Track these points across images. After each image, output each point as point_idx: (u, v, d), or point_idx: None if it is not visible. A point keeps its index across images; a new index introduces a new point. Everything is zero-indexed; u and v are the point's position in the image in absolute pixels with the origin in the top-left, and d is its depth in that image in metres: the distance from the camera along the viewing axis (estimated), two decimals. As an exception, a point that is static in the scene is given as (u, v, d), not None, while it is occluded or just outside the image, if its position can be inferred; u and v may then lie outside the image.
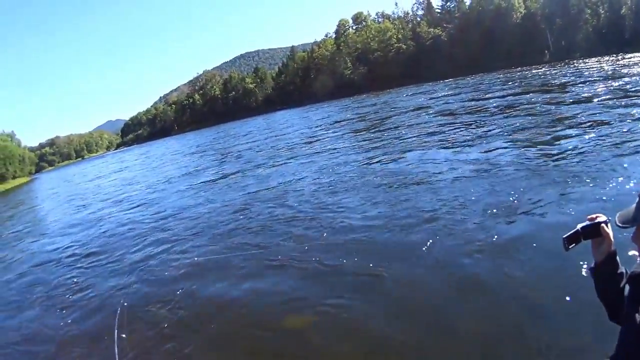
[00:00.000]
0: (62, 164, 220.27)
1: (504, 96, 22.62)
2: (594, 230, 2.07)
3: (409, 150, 12.44)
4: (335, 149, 16.04)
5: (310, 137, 22.42)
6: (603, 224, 2.05)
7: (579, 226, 2.08)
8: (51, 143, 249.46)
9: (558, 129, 11.75)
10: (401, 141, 14.34)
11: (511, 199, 6.77)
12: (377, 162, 11.86)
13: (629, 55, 43.56)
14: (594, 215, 2.13)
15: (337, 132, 21.97)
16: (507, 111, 16.44)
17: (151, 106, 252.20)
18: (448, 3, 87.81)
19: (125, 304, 5.95)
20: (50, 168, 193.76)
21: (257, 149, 23.05)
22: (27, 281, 8.83)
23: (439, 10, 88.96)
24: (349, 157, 13.79)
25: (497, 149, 10.42)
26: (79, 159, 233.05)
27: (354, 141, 17.38)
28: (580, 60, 50.95)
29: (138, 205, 14.56)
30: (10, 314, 7.15)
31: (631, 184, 6.40)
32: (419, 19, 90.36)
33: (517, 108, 16.73)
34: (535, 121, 13.30)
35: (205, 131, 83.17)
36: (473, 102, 22.53)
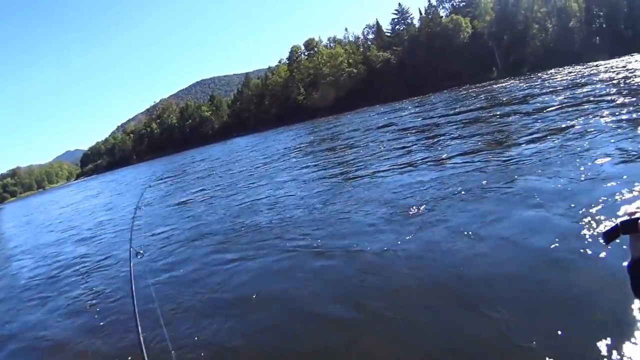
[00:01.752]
0: (24, 194, 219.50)
1: (448, 114, 23.66)
2: (632, 226, 1.89)
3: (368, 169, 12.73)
4: (291, 171, 16.30)
5: (269, 161, 22.40)
6: None
7: (619, 221, 1.90)
8: (12, 174, 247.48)
9: (503, 141, 12.31)
10: (355, 161, 14.61)
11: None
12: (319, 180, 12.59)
13: (577, 68, 45.06)
14: (633, 210, 1.92)
15: (293, 155, 22.19)
16: (452, 127, 17.34)
17: (109, 136, 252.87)
18: (397, 26, 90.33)
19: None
20: (12, 198, 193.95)
21: (216, 176, 22.86)
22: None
23: (389, 34, 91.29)
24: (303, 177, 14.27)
25: (452, 162, 10.93)
26: (40, 189, 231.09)
27: (306, 163, 17.80)
28: (528, 75, 53.07)
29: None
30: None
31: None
32: (369, 43, 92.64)
33: (464, 123, 17.99)
34: (478, 135, 13.88)
35: (165, 159, 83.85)
36: (419, 121, 23.71)
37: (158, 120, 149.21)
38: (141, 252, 4.39)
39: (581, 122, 12.17)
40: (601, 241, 2.04)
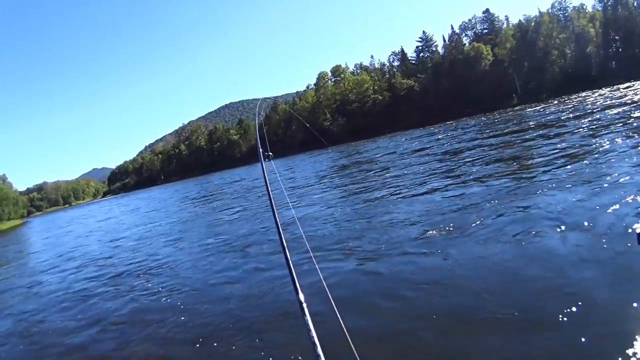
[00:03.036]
0: (50, 209, 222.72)
1: (473, 139, 24.72)
2: None
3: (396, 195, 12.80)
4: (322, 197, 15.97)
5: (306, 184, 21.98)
6: None
7: None
8: (39, 188, 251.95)
9: (524, 167, 12.57)
10: (384, 188, 14.52)
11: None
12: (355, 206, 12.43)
13: (595, 93, 46.58)
14: None
15: (325, 182, 21.70)
16: (477, 153, 17.71)
17: (137, 155, 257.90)
18: (422, 54, 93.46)
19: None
20: (38, 213, 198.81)
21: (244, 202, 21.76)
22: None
23: (413, 61, 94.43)
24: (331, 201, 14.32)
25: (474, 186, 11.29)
26: (67, 205, 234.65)
27: (336, 188, 17.71)
28: (549, 102, 53.72)
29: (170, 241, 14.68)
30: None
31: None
32: (394, 70, 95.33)
33: (486, 149, 18.43)
34: (501, 161, 14.34)
35: (194, 180, 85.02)
36: (445, 148, 23.99)
37: (187, 142, 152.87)
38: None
39: (607, 145, 12.69)
40: (637, 242, 2.26)
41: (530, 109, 44.96)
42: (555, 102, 48.05)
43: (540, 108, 41.89)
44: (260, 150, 3.06)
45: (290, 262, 1.99)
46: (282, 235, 2.12)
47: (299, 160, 50.67)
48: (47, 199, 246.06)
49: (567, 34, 75.76)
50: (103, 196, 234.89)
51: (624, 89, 41.86)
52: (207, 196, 32.07)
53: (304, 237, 7.73)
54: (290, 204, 12.27)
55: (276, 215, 2.44)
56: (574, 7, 79.58)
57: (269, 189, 2.66)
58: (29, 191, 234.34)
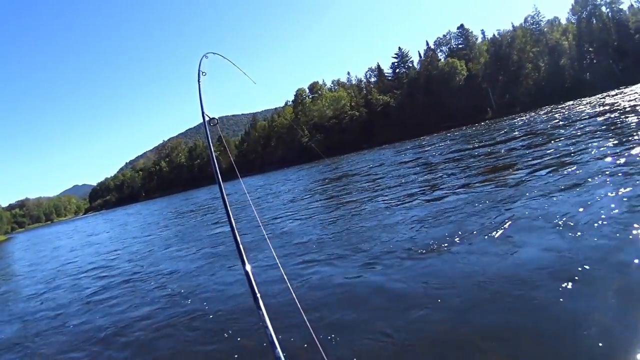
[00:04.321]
0: (32, 225, 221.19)
1: (442, 153, 25.54)
2: None
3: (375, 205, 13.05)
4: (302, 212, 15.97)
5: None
6: None
7: None
8: (21, 205, 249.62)
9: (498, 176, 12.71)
10: (363, 200, 14.65)
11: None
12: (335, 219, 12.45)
13: (567, 103, 48.48)
14: None
15: (305, 196, 21.72)
16: (441, 166, 18.28)
17: (118, 172, 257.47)
18: (398, 69, 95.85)
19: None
20: (21, 229, 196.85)
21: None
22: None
23: (389, 77, 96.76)
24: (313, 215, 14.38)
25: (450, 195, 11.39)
26: (48, 222, 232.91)
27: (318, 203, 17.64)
28: (522, 114, 54.89)
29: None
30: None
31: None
32: (371, 86, 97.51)
33: (451, 163, 18.92)
34: (470, 171, 14.72)
35: (177, 197, 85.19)
36: (428, 160, 24.07)
37: (167, 159, 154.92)
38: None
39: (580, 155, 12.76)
40: None
41: (503, 122, 46.37)
42: (528, 115, 49.27)
43: (515, 120, 43.06)
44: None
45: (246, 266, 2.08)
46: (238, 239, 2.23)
47: (280, 176, 51.95)
48: (30, 215, 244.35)
49: (540, 47, 77.79)
50: (85, 213, 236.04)
51: (600, 98, 43.16)
52: (189, 212, 32.09)
53: (269, 243, 8.65)
54: (257, 216, 12.69)
55: (232, 222, 2.53)
56: (548, 20, 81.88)
57: (222, 187, 2.66)
58: (11, 207, 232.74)
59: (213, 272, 9.75)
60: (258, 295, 1.90)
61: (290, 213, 15.92)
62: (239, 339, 5.40)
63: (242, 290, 7.38)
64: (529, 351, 3.75)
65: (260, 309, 1.80)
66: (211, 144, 2.92)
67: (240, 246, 2.05)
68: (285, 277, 4.11)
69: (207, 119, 3.25)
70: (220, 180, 2.38)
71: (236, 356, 4.96)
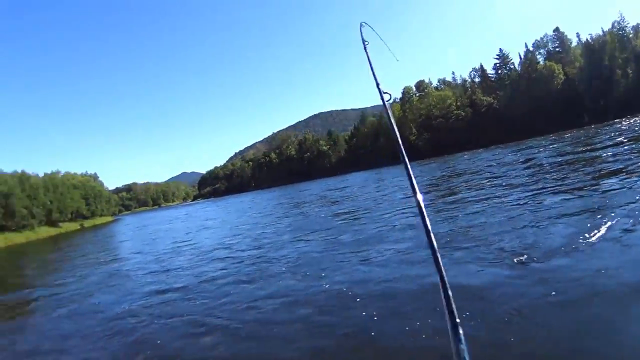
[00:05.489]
0: (138, 209, 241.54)
1: (560, 157, 24.57)
2: None
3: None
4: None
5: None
6: None
7: None
8: (128, 189, 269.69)
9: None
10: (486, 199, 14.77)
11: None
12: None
13: None
14: None
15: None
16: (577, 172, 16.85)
17: (227, 161, 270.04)
18: (500, 71, 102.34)
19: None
20: (127, 212, 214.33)
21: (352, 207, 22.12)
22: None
23: (492, 78, 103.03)
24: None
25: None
26: (155, 206, 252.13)
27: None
28: (618, 120, 56.17)
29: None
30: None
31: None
32: (475, 87, 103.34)
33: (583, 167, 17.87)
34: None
35: (284, 188, 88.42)
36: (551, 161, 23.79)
37: (277, 151, 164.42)
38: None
39: None
40: None
41: (606, 127, 46.53)
42: (628, 121, 49.97)
43: (618, 126, 43.38)
44: (402, 148, 2.15)
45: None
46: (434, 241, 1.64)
47: (395, 171, 49.21)
48: (137, 199, 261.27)
49: (627, 54, 78.95)
50: (193, 200, 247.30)
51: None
52: (315, 201, 32.81)
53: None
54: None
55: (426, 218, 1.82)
56: (632, 27, 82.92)
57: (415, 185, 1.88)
58: (118, 190, 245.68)
59: (339, 260, 10.06)
60: (446, 279, 1.50)
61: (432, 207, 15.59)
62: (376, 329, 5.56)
63: (367, 276, 8.07)
64: None
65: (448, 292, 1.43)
66: (392, 118, 2.25)
67: (432, 236, 1.62)
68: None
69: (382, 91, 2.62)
70: (407, 158, 1.99)
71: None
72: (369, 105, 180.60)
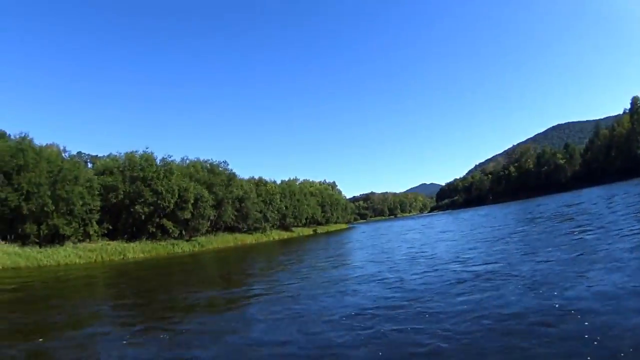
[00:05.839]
0: (373, 218, 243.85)
1: None
2: None
3: None
4: None
5: None
6: None
7: None
8: (366, 198, 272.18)
9: None
10: None
11: None
12: None
13: None
14: None
15: None
16: None
17: (466, 174, 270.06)
18: None
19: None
20: (362, 221, 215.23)
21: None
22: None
23: None
24: None
25: None
26: (392, 216, 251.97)
27: None
28: None
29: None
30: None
31: None
32: None
33: None
34: None
35: (522, 203, 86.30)
36: None
37: (516, 164, 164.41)
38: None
39: None
40: None
41: None
42: None
43: None
44: None
45: None
46: None
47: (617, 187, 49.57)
48: (373, 208, 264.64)
49: None
50: (430, 211, 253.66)
51: None
52: (552, 217, 32.95)
53: None
54: None
55: None
56: None
57: None
58: (355, 199, 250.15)
59: (575, 278, 10.38)
60: None
61: None
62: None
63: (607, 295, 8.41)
64: None
65: None
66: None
67: None
68: None
69: None
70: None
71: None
72: (602, 117, 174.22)
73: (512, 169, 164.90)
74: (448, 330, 8.07)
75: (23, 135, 42.85)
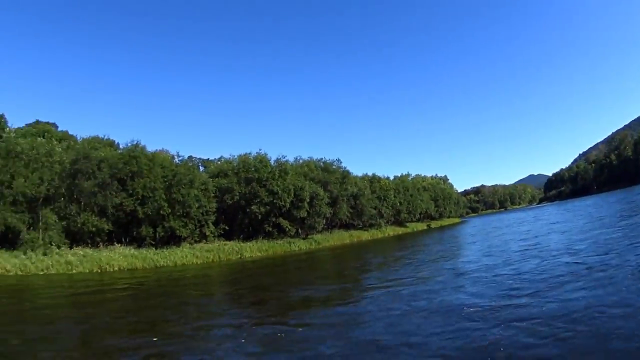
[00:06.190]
0: (484, 211, 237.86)
1: None
2: None
3: None
4: None
5: None
6: None
7: None
8: (476, 191, 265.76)
9: None
10: None
11: None
12: None
13: None
14: None
15: None
16: None
17: (572, 163, 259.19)
18: None
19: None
20: (473, 214, 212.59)
21: None
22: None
23: None
24: None
25: None
26: (502, 209, 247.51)
27: None
28: None
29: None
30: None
31: None
32: None
33: None
34: None
35: (625, 191, 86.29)
36: None
37: (616, 152, 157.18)
38: None
39: None
40: None
41: None
42: None
43: None
44: None
45: None
46: None
47: None
48: (484, 201, 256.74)
49: None
50: (539, 202, 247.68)
51: None
52: None
53: None
54: None
55: None
56: None
57: None
58: (466, 193, 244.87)
59: None
60: None
61: None
62: None
63: None
64: None
65: None
66: None
67: None
68: None
69: None
70: None
71: None
72: None
73: (612, 157, 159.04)
74: (561, 327, 8.34)
75: (135, 142, 45.19)
